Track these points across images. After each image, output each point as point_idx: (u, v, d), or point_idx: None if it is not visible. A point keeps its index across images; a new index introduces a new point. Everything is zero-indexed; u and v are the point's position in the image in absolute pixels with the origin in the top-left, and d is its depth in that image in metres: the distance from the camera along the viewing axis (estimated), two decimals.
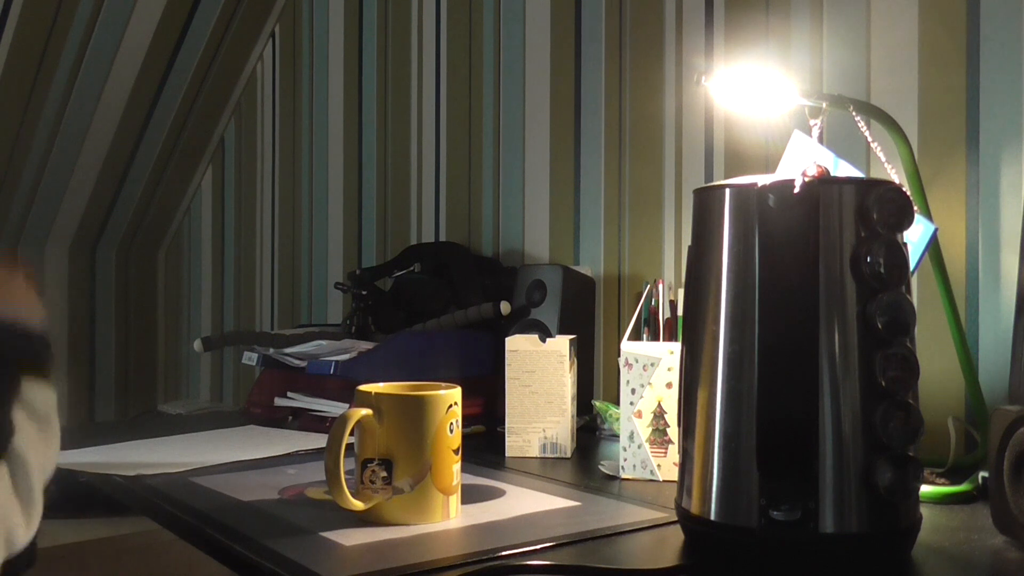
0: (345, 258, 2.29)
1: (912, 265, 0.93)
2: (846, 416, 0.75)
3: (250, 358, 1.56)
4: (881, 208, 0.77)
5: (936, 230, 1.05)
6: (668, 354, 1.10)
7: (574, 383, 1.28)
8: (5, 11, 2.23)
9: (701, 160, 1.50)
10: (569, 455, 1.25)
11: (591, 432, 1.41)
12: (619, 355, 1.12)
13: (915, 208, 0.80)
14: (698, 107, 1.50)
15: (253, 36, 2.59)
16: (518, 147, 1.81)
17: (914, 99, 1.23)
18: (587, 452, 1.29)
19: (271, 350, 1.55)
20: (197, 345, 1.63)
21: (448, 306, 1.68)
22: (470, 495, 0.99)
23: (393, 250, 2.08)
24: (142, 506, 1.03)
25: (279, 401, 1.53)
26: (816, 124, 1.04)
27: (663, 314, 1.17)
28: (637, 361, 1.11)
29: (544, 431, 1.25)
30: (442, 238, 1.99)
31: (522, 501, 1.00)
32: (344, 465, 0.87)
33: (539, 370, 1.25)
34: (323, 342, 1.59)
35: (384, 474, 0.89)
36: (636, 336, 1.16)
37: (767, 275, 0.77)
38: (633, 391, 1.11)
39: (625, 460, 1.11)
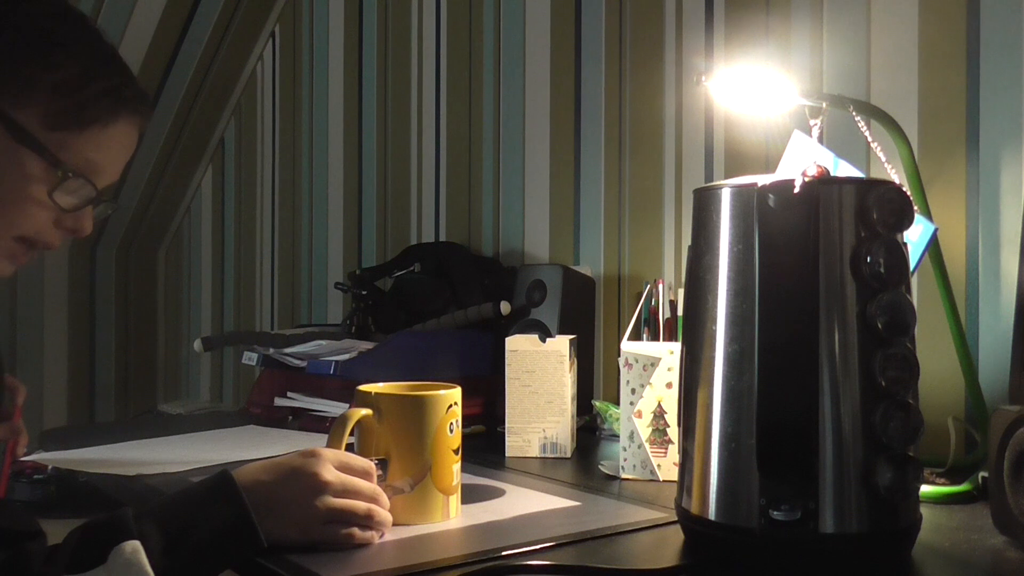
0: (345, 258, 2.29)
1: (912, 265, 0.93)
2: (846, 416, 0.75)
3: (250, 358, 1.56)
4: (881, 208, 0.77)
5: (936, 230, 1.05)
6: (668, 354, 1.10)
7: (574, 383, 1.28)
8: None
9: (701, 160, 1.50)
10: (569, 455, 1.25)
11: (591, 432, 1.41)
12: (619, 355, 1.12)
13: (915, 208, 0.80)
14: (698, 107, 1.50)
15: (253, 36, 2.59)
16: (518, 147, 1.81)
17: (914, 99, 1.23)
18: (587, 452, 1.29)
19: (271, 350, 1.55)
20: (197, 345, 1.63)
21: (448, 306, 1.68)
22: (470, 495, 0.99)
23: (393, 250, 2.07)
24: (142, 506, 1.03)
25: (279, 401, 1.53)
26: (816, 124, 1.04)
27: (663, 314, 1.17)
28: (637, 361, 1.11)
29: (544, 431, 1.25)
30: (442, 238, 1.99)
31: (522, 501, 1.00)
32: None
33: (539, 370, 1.25)
34: (323, 342, 1.59)
35: (384, 474, 0.89)
36: (636, 336, 1.16)
37: (767, 275, 0.77)
38: (633, 391, 1.11)
39: (625, 460, 1.11)
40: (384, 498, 0.86)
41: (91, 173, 0.89)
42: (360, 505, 0.83)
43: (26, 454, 1.25)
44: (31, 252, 0.92)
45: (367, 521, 0.83)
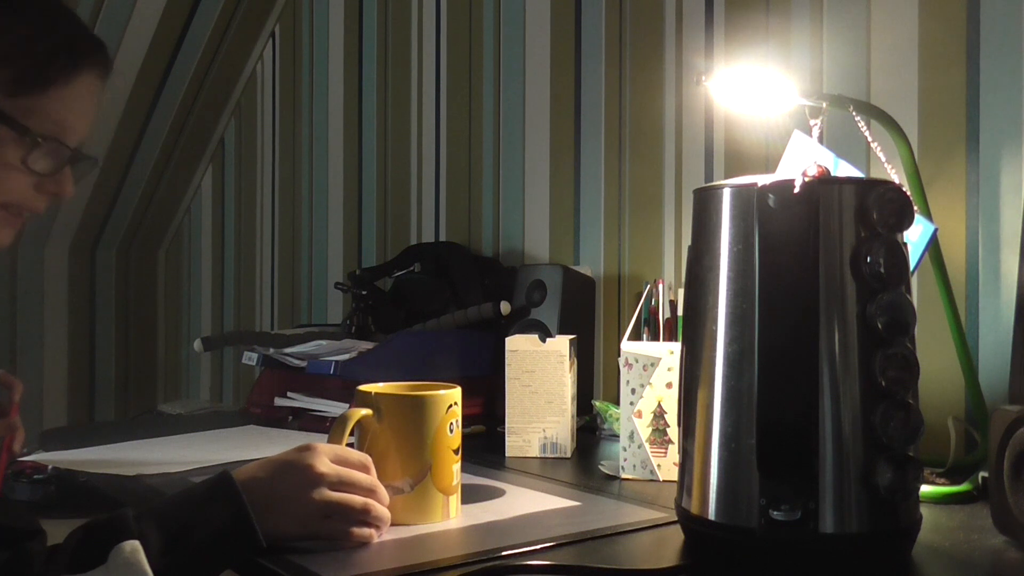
0: (345, 258, 2.29)
1: (912, 265, 0.93)
2: (846, 416, 0.75)
3: (250, 358, 1.56)
4: (881, 208, 0.77)
5: (936, 230, 1.05)
6: (668, 354, 1.10)
7: (574, 383, 1.28)
8: None
9: (701, 160, 1.50)
10: (569, 455, 1.25)
11: (591, 432, 1.41)
12: (619, 355, 1.12)
13: (915, 208, 0.80)
14: (698, 107, 1.50)
15: (253, 36, 2.59)
16: (518, 147, 1.81)
17: (914, 99, 1.23)
18: (587, 452, 1.29)
19: (271, 350, 1.55)
20: (197, 345, 1.63)
21: (448, 306, 1.68)
22: (470, 495, 0.99)
23: (393, 250, 2.08)
24: (142, 506, 1.03)
25: (279, 401, 1.53)
26: (816, 124, 1.04)
27: (663, 314, 1.17)
28: (637, 361, 1.11)
29: (544, 431, 1.25)
30: (442, 238, 1.99)
31: (522, 501, 1.00)
32: None
33: (539, 370, 1.25)
34: (323, 342, 1.59)
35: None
36: (636, 336, 1.16)
37: (767, 275, 0.77)
38: (633, 391, 1.11)
39: (625, 460, 1.11)
40: (382, 491, 0.86)
41: (62, 133, 0.86)
42: (356, 499, 0.83)
43: (26, 454, 1.25)
44: (21, 217, 0.90)
45: (364, 515, 0.83)
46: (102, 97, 0.91)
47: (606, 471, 1.14)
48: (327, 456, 0.84)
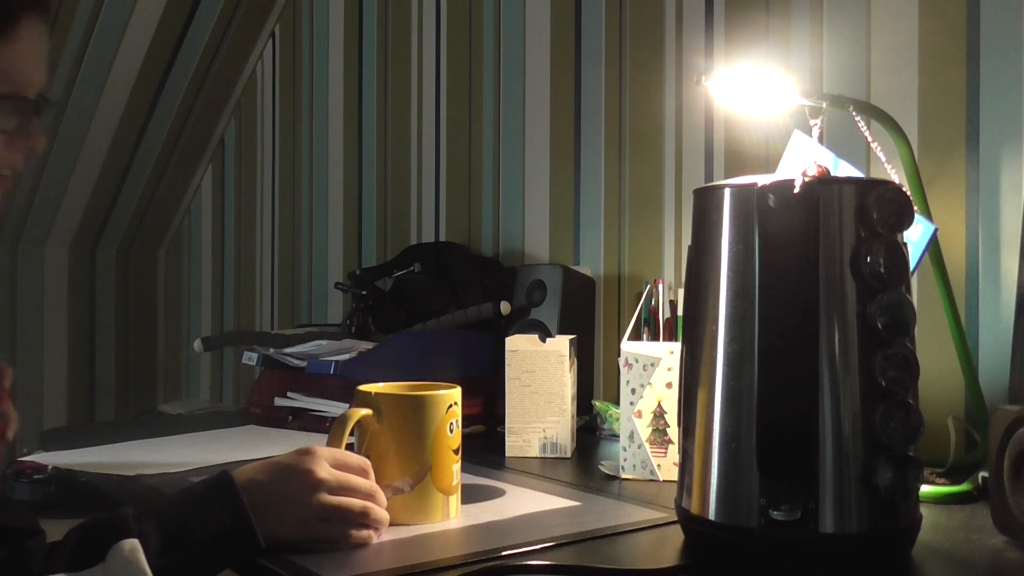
0: (345, 258, 2.29)
1: (912, 265, 0.93)
2: (846, 416, 0.75)
3: (250, 358, 1.56)
4: (881, 208, 0.77)
5: (936, 230, 1.05)
6: (668, 354, 1.10)
7: (574, 383, 1.28)
8: None
9: (701, 160, 1.50)
10: (569, 455, 1.25)
11: (591, 432, 1.41)
12: (619, 355, 1.12)
13: (915, 208, 0.80)
14: (698, 107, 1.50)
15: (253, 36, 2.59)
16: (518, 147, 1.81)
17: (914, 99, 1.23)
18: (587, 452, 1.29)
19: (271, 350, 1.55)
20: (197, 345, 1.63)
21: (448, 306, 1.68)
22: (470, 495, 0.99)
23: (393, 250, 2.07)
24: (142, 506, 1.03)
25: (279, 401, 1.53)
26: (816, 124, 1.04)
27: (663, 314, 1.17)
28: (637, 361, 1.11)
29: (544, 431, 1.25)
30: (442, 238, 1.99)
31: (522, 501, 1.00)
32: None
33: (539, 370, 1.25)
34: (323, 342, 1.59)
35: None
36: (636, 336, 1.16)
37: (767, 275, 0.77)
38: (633, 391, 1.11)
39: (625, 460, 1.11)
40: (381, 495, 0.86)
41: (19, 88, 0.84)
42: (355, 502, 0.83)
43: (25, 454, 1.25)
44: (5, 178, 0.88)
45: (363, 519, 0.84)
46: (48, 37, 0.88)
47: (606, 471, 1.14)
48: (327, 460, 0.84)
